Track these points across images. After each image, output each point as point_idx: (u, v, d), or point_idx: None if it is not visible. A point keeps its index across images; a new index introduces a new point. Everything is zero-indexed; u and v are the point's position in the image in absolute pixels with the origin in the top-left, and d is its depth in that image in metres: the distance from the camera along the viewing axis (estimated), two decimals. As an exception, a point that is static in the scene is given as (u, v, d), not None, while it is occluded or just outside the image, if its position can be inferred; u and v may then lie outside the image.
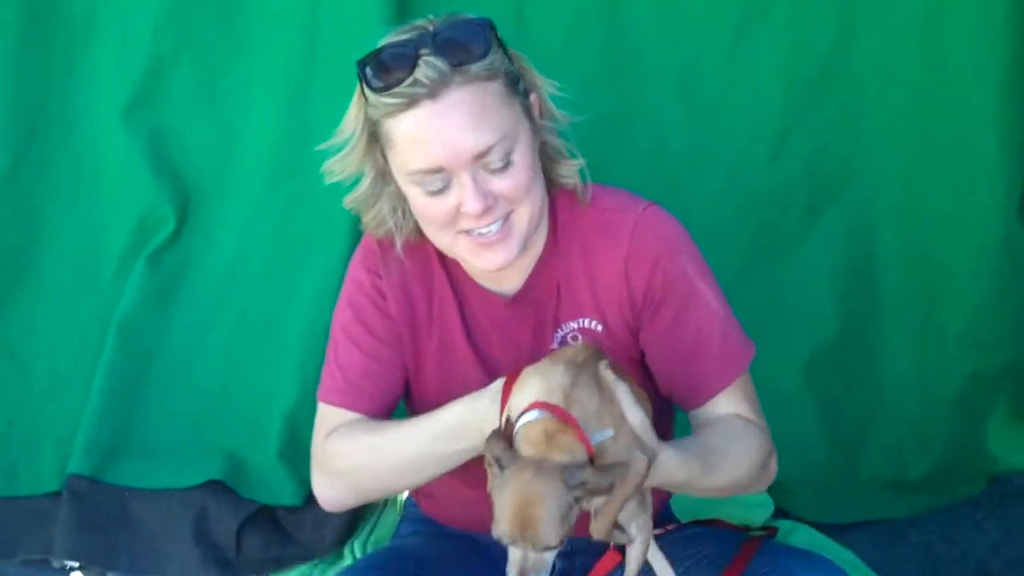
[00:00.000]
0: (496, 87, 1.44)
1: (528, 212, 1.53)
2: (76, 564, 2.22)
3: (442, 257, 1.65)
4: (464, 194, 1.47)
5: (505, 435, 1.36)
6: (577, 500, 1.32)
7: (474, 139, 1.43)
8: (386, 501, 2.30)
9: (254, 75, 2.29)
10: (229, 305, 2.30)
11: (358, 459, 1.58)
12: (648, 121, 2.20)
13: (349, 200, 1.65)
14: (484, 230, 1.51)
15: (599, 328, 1.62)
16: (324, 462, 1.62)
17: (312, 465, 1.65)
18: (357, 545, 2.15)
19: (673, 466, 1.39)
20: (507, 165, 1.47)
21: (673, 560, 1.58)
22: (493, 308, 1.65)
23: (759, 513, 2.15)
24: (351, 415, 1.62)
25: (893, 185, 2.23)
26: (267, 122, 2.29)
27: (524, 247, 1.55)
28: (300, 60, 2.26)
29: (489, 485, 1.36)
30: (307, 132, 2.21)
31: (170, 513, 2.18)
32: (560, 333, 1.63)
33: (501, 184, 1.48)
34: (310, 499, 2.19)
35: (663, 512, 1.86)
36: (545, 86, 1.56)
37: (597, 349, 1.47)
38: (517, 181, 1.49)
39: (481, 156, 1.45)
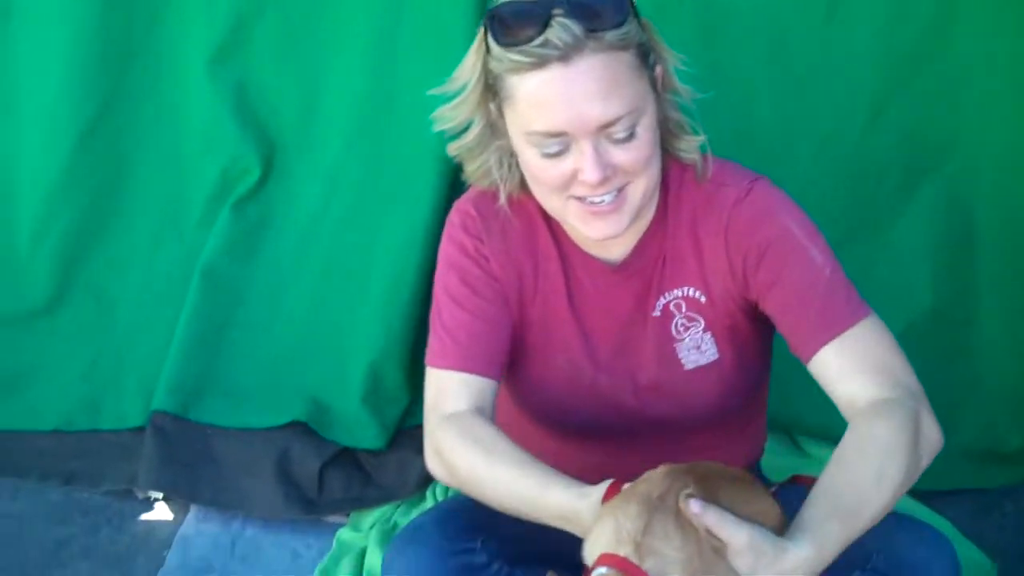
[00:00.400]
0: (628, 58, 1.42)
1: (644, 186, 1.51)
2: (160, 495, 2.30)
3: (546, 217, 1.63)
4: (584, 162, 1.44)
5: None
6: None
7: (602, 109, 1.41)
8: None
9: (339, 27, 2.31)
10: (313, 254, 2.35)
11: (464, 472, 1.52)
12: (738, 93, 2.19)
13: (454, 148, 1.63)
14: (598, 199, 1.49)
15: (702, 298, 1.62)
16: (438, 447, 1.55)
17: (425, 435, 1.59)
18: (440, 489, 2.22)
19: (814, 555, 1.28)
20: (630, 137, 1.45)
21: None
22: (597, 274, 1.64)
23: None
24: (463, 376, 1.58)
25: (992, 158, 2.21)
26: (352, 74, 2.31)
27: (635, 219, 1.54)
28: (385, 12, 2.27)
29: None
30: (392, 84, 2.27)
31: (252, 451, 2.25)
32: (663, 301, 1.63)
33: (622, 156, 1.46)
34: (392, 443, 2.31)
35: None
36: (672, 59, 1.52)
37: (678, 471, 1.35)
38: (638, 155, 1.47)
39: (607, 127, 1.43)
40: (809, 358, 1.52)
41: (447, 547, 1.52)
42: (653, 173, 1.52)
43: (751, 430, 1.85)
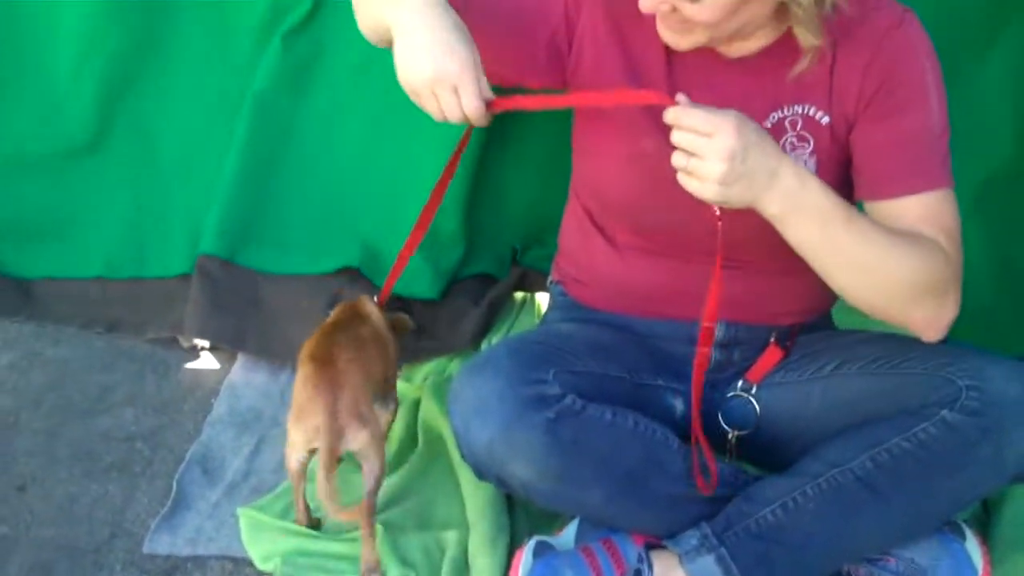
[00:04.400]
0: None
1: (708, 36, 1.43)
2: (206, 344, 2.21)
3: None
4: None
5: None
6: None
7: None
8: (524, 299, 2.28)
9: None
10: (366, 90, 2.18)
11: None
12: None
13: None
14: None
15: (824, 119, 1.49)
16: None
17: None
18: (496, 340, 2.11)
19: (791, 170, 1.33)
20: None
21: None
22: (709, 62, 1.50)
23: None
24: None
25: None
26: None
27: (700, 44, 1.45)
28: None
29: None
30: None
31: (302, 298, 2.14)
32: (778, 115, 1.50)
33: (686, 6, 1.38)
34: (446, 293, 2.20)
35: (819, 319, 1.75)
36: None
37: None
38: (699, 15, 1.38)
39: None
40: (888, 198, 1.46)
41: (519, 376, 1.44)
42: (723, 29, 1.41)
43: None
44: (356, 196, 2.21)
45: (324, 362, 1.61)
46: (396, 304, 2.02)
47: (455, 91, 1.34)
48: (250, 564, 1.72)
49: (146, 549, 1.74)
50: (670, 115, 1.32)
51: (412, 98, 1.37)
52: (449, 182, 1.74)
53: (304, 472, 1.68)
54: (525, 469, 1.44)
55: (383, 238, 2.18)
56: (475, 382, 1.46)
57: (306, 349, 1.67)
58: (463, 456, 1.50)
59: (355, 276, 2.17)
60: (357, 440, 1.58)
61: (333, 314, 1.80)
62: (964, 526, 1.57)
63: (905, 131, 1.46)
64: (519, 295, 2.29)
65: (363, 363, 1.66)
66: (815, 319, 1.70)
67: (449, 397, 1.50)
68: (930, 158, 1.47)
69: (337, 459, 1.57)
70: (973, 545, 1.55)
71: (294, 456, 1.65)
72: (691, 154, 1.30)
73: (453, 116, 1.35)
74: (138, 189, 2.34)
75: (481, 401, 1.44)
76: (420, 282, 2.14)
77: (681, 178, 1.33)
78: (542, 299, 2.27)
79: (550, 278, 1.88)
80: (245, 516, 1.77)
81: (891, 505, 1.46)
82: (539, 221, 2.23)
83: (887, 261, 1.38)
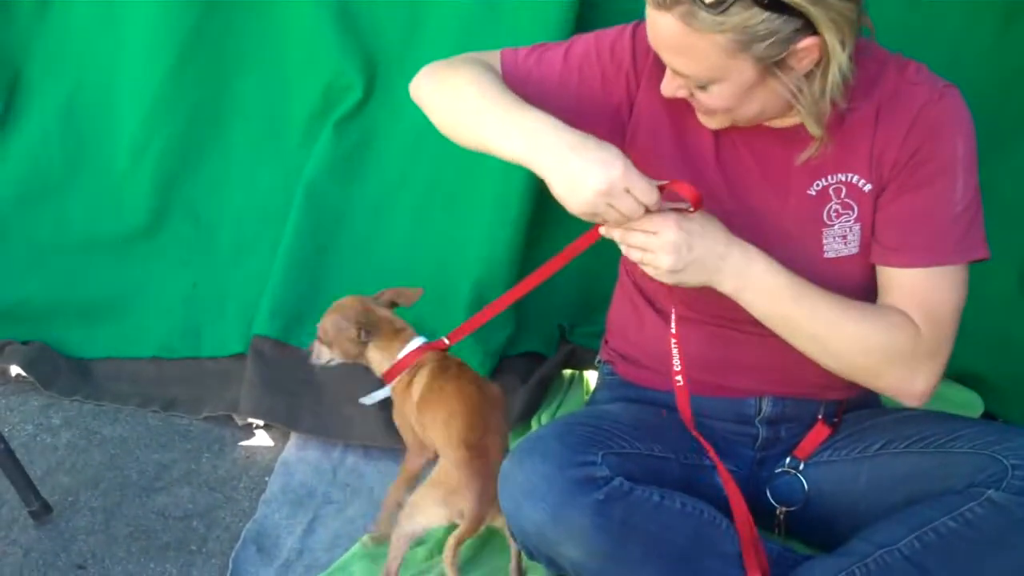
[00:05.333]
0: (720, 40, 1.35)
1: (730, 119, 1.50)
2: (260, 423, 2.25)
3: None
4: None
5: None
6: None
7: (669, 59, 1.43)
8: (572, 377, 2.30)
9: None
10: (415, 174, 2.26)
11: (442, 81, 1.58)
12: None
13: None
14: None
15: (866, 187, 1.53)
16: (445, 63, 1.60)
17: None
18: (545, 418, 2.13)
19: (739, 255, 1.43)
20: (704, 88, 1.44)
21: None
22: (754, 127, 1.54)
23: (965, 414, 2.03)
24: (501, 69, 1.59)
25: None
26: (455, -11, 2.21)
27: (727, 124, 1.52)
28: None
29: None
30: (494, 1, 2.15)
31: (354, 377, 2.16)
32: (823, 183, 1.54)
33: (699, 94, 1.46)
34: (496, 371, 2.24)
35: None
36: (840, 55, 1.38)
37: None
38: (710, 103, 1.45)
39: (677, 72, 1.45)
40: (887, 265, 1.53)
41: (568, 458, 1.46)
42: (747, 111, 1.47)
43: None
44: (406, 276, 2.25)
45: (479, 452, 1.71)
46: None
47: (628, 192, 1.38)
48: (305, 642, 1.74)
49: (204, 628, 1.78)
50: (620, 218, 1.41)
51: (588, 219, 1.42)
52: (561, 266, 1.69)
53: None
54: (575, 550, 1.45)
55: (433, 317, 2.21)
56: (525, 465, 1.48)
57: (457, 431, 1.75)
58: (514, 536, 1.52)
59: (406, 356, 2.20)
60: (498, 521, 1.71)
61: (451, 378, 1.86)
62: None
63: (921, 206, 1.49)
64: (567, 372, 2.32)
65: (505, 446, 1.77)
66: (861, 395, 1.70)
67: (500, 479, 1.51)
68: (943, 234, 1.49)
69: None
70: None
71: (422, 524, 1.75)
72: (643, 250, 1.43)
73: (635, 215, 1.40)
74: (194, 271, 2.41)
75: (531, 484, 1.45)
76: (470, 362, 2.15)
77: (643, 268, 1.46)
78: (590, 376, 2.30)
79: (598, 357, 1.90)
80: (300, 595, 1.79)
81: None
82: (587, 298, 2.27)
83: (837, 333, 1.48)
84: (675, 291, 1.60)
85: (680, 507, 1.50)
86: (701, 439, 1.56)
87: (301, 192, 2.27)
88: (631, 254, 1.45)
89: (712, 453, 1.56)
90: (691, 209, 1.43)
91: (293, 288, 2.27)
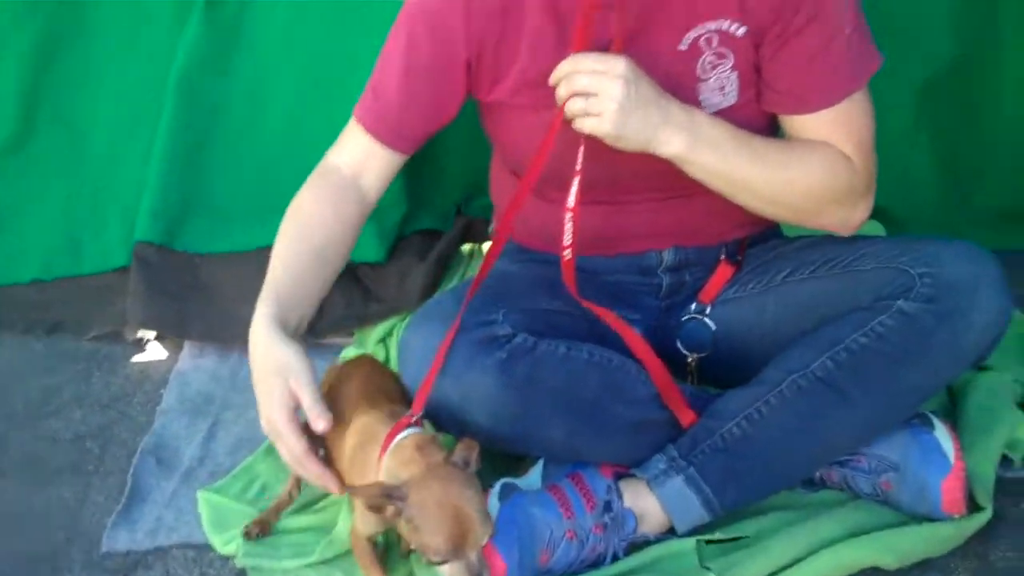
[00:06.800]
0: None
1: None
2: (151, 335, 2.15)
3: None
4: None
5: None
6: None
7: None
8: (471, 251, 2.23)
9: None
10: (290, 64, 2.14)
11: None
12: None
13: None
14: None
15: (739, 31, 1.43)
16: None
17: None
18: (445, 294, 2.05)
19: (684, 118, 1.38)
20: None
21: None
22: None
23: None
24: (368, 138, 1.56)
25: None
26: None
27: None
28: None
29: (397, 522, 1.30)
30: None
31: (244, 276, 2.05)
32: (693, 34, 1.43)
33: None
34: (392, 253, 2.15)
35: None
36: None
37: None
38: None
39: None
40: (797, 113, 1.47)
41: (467, 319, 1.40)
42: None
43: None
44: (288, 168, 2.09)
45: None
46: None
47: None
48: (212, 550, 1.65)
49: (104, 548, 1.67)
50: (566, 65, 1.36)
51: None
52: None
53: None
54: (480, 412, 1.39)
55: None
56: (422, 329, 1.42)
57: None
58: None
59: (297, 248, 2.09)
60: None
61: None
62: (932, 416, 1.54)
63: (816, 44, 1.42)
64: (466, 247, 2.24)
65: None
66: (762, 230, 1.66)
67: (398, 352, 1.45)
68: (841, 66, 1.44)
69: None
70: (943, 433, 1.52)
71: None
72: (587, 95, 1.34)
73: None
74: (68, 182, 2.28)
75: (430, 351, 1.39)
76: (364, 245, 2.05)
77: (577, 124, 1.37)
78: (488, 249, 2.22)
79: (491, 227, 1.83)
80: (204, 500, 1.71)
81: (855, 403, 1.43)
82: (480, 172, 2.18)
83: (784, 177, 1.44)
84: (551, 181, 1.48)
85: (587, 356, 1.45)
86: (593, 307, 1.48)
87: (172, 86, 2.14)
88: (572, 105, 1.36)
89: (609, 318, 1.49)
90: None
91: (172, 187, 2.15)
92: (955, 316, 1.39)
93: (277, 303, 1.47)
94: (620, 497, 1.48)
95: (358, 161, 1.58)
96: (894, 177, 2.05)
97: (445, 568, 1.28)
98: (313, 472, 1.41)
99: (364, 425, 1.45)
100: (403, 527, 1.31)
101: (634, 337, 1.50)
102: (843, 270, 1.50)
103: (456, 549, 1.27)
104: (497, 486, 1.49)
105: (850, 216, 1.50)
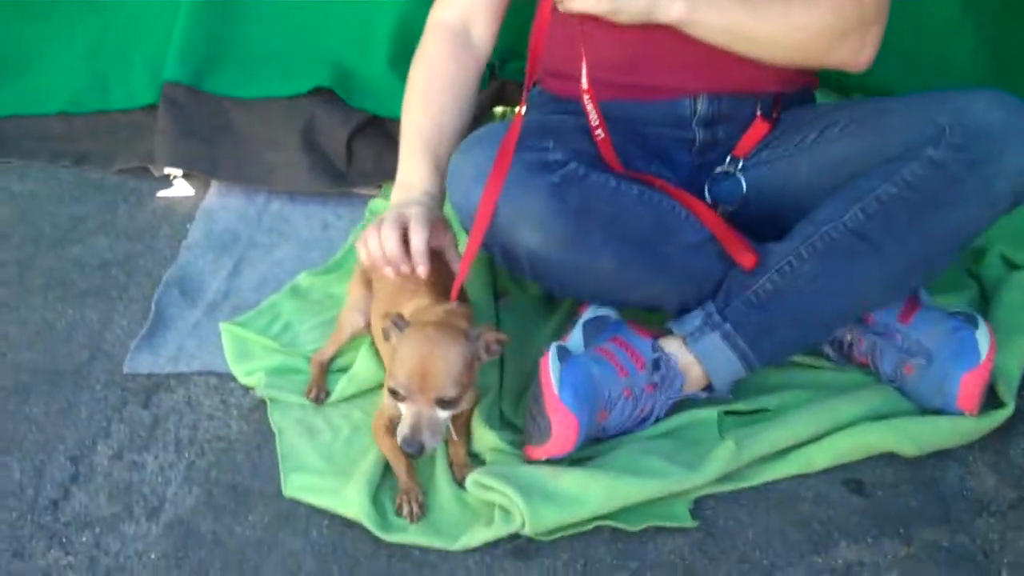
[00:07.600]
0: None
1: None
2: (178, 172, 2.15)
3: None
4: None
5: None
6: (477, 358, 1.39)
7: None
8: (504, 114, 2.22)
9: None
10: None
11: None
12: None
13: None
14: None
15: None
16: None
17: None
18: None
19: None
20: None
21: None
22: None
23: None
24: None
25: None
26: None
27: None
28: None
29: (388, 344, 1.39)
30: None
31: (275, 122, 2.08)
32: None
33: None
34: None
35: None
36: None
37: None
38: None
39: None
40: None
41: (520, 143, 1.38)
42: None
43: None
44: (323, 13, 2.13)
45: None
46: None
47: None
48: (233, 379, 1.68)
49: (127, 369, 1.71)
50: None
51: None
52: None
53: None
54: (531, 235, 1.38)
55: (354, 56, 2.11)
56: (474, 152, 1.40)
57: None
58: (464, 229, 1.44)
59: (328, 97, 2.10)
60: None
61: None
62: (977, 316, 1.54)
63: None
64: (499, 109, 2.23)
65: None
66: (797, 92, 1.65)
67: (449, 173, 1.44)
68: None
69: None
70: (983, 333, 1.50)
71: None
72: None
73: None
74: (99, 19, 2.26)
75: (480, 169, 1.37)
76: (396, 100, 2.02)
77: (566, 4, 1.41)
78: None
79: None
80: (227, 332, 1.74)
81: (886, 252, 1.43)
82: (516, 34, 2.16)
83: (789, 24, 1.46)
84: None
85: (638, 194, 1.45)
86: (638, 176, 1.48)
87: (209, -76, 2.11)
88: None
89: (657, 183, 1.49)
90: None
91: (204, 28, 2.13)
92: (986, 163, 1.38)
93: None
94: (667, 356, 1.49)
95: (465, 8, 1.64)
96: (935, 67, 2.05)
97: (402, 405, 1.37)
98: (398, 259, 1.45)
99: (418, 305, 1.50)
100: (388, 353, 1.42)
101: (683, 193, 1.49)
102: (873, 125, 1.49)
103: (411, 390, 1.34)
104: (553, 348, 1.47)
105: (860, 50, 1.49)
